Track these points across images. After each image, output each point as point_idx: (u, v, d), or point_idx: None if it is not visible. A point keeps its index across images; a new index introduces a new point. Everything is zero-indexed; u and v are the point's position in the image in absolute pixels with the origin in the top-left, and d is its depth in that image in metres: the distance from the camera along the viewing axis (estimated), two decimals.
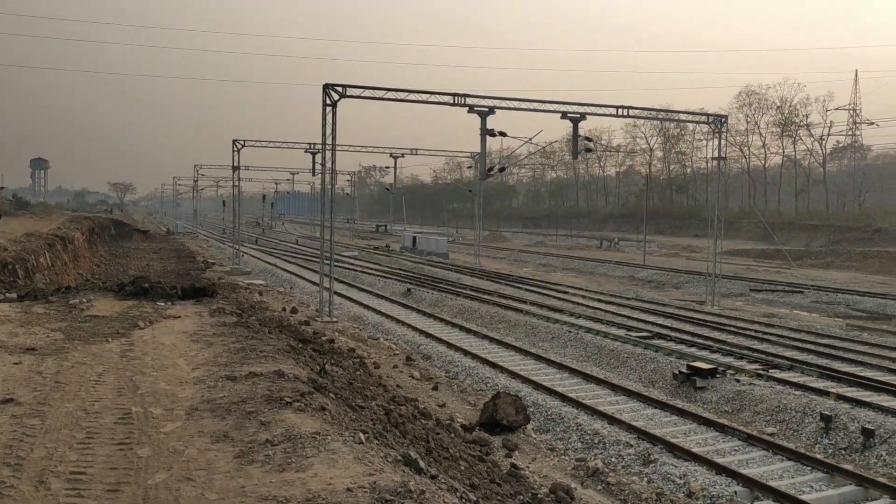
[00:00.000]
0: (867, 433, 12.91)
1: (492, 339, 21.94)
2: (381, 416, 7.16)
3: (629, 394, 15.84)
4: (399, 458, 5.20)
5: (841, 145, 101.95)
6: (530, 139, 27.65)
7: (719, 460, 11.68)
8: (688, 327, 24.29)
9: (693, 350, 20.07)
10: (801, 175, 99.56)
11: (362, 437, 5.19)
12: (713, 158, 30.21)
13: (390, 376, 16.78)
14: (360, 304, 29.18)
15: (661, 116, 29.96)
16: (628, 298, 32.30)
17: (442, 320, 25.63)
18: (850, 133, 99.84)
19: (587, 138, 28.64)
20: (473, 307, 28.19)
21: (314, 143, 46.04)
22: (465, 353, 19.83)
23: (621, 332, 22.34)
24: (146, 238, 70.61)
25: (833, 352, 20.09)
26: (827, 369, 17.57)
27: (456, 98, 25.78)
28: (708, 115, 29.70)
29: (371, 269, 44.63)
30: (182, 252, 50.92)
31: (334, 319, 24.65)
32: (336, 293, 27.71)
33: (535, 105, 26.62)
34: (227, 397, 6.67)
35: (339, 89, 24.76)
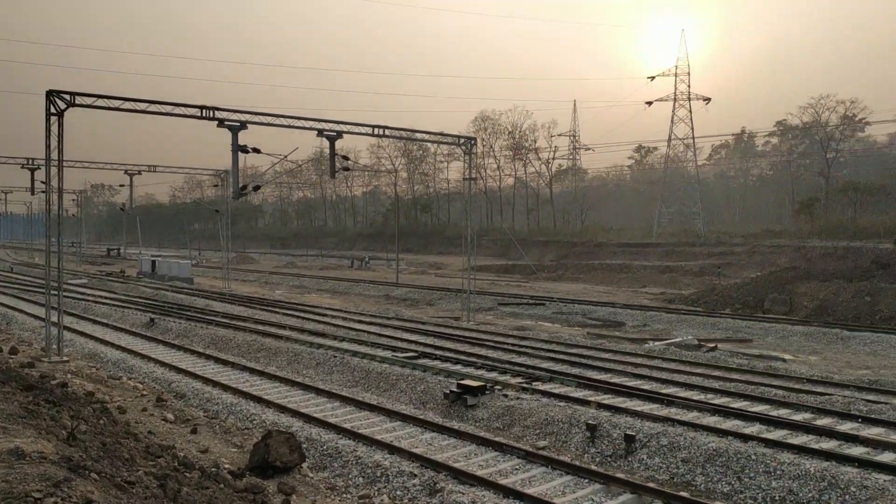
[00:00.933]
0: (629, 439, 13.60)
1: (253, 371, 20.43)
2: (155, 490, 5.84)
3: (405, 419, 15.39)
4: None
5: (563, 168, 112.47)
6: (286, 156, 26.52)
7: (503, 482, 11.55)
8: (449, 344, 24.60)
9: (459, 367, 20.22)
10: (531, 195, 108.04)
11: None
12: (465, 178, 31.22)
13: (140, 422, 14.80)
14: (96, 338, 25.91)
15: (416, 137, 30.35)
16: (388, 318, 32.21)
17: (194, 352, 23.50)
18: (570, 157, 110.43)
19: (344, 157, 28.12)
20: (228, 336, 26.27)
21: (34, 159, 40.98)
22: (225, 387, 18.18)
23: (388, 354, 21.99)
24: None
25: (584, 360, 21.36)
26: (583, 378, 18.55)
27: (204, 111, 23.92)
28: (459, 136, 30.63)
29: (105, 298, 40.30)
30: None
31: (65, 358, 21.56)
32: (66, 327, 24.34)
33: (291, 121, 25.58)
34: None
35: (67, 97, 21.83)
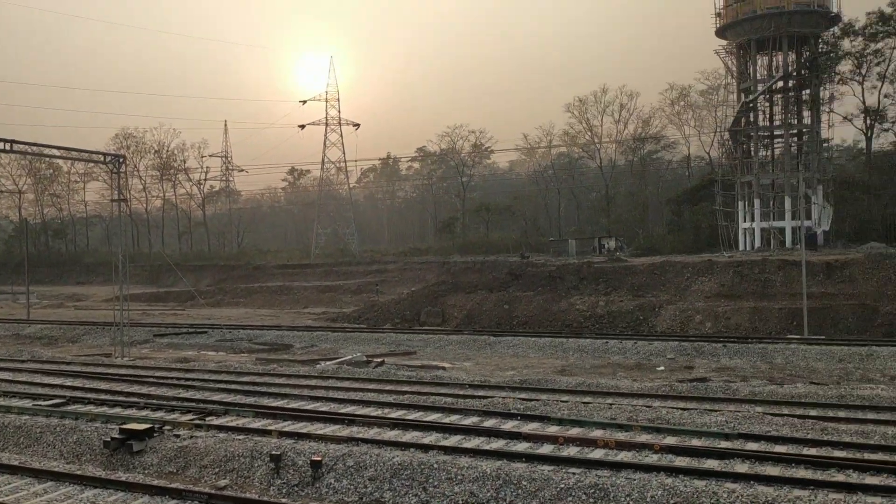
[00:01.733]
0: (315, 465, 13.31)
1: None
2: None
3: (58, 477, 13.28)
4: None
5: (216, 189, 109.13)
6: None
7: None
8: (104, 385, 22.07)
9: (118, 410, 18.17)
10: (182, 218, 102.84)
11: None
12: (112, 200, 28.51)
13: None
14: None
15: (54, 154, 26.85)
16: (23, 361, 27.92)
17: None
18: (223, 178, 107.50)
19: None
20: None
21: None
22: None
23: (27, 403, 18.96)
24: None
25: (258, 388, 20.59)
26: (260, 407, 17.83)
27: None
28: (105, 153, 27.79)
29: None
30: None
31: None
32: None
33: None
34: None
35: None
